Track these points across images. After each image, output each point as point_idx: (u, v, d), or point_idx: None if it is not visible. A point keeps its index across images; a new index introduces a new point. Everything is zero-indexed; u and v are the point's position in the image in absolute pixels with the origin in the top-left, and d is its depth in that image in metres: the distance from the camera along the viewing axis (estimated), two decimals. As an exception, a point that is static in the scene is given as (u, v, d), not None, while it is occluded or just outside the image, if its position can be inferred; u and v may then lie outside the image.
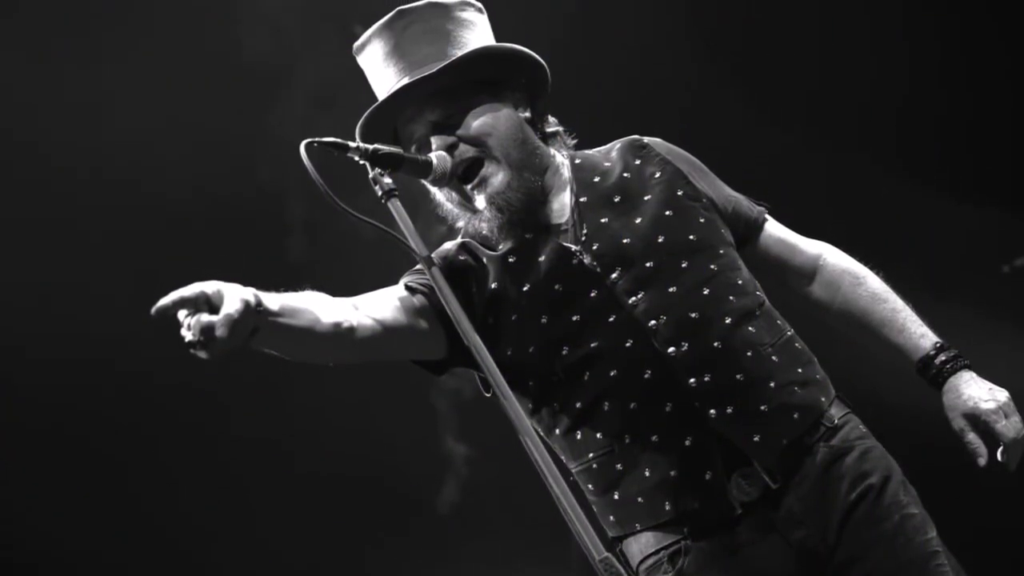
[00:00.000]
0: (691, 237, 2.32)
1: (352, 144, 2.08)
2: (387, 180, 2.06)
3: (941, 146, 5.94)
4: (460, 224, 2.44)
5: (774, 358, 2.27)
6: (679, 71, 5.68)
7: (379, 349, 2.26)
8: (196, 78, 5.05)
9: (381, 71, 2.38)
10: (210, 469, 5.15)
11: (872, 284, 2.52)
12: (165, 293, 1.76)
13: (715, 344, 2.22)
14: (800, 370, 2.30)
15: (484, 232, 2.34)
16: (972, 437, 2.29)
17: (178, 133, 5.01)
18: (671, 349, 2.20)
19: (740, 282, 2.34)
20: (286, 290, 2.06)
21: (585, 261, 2.27)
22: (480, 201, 2.31)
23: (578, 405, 2.27)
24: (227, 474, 5.18)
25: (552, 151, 2.47)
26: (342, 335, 2.11)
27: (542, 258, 2.30)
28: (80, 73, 4.88)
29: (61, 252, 4.88)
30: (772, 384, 2.23)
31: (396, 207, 2.05)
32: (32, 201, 4.88)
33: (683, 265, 2.27)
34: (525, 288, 2.29)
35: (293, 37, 5.11)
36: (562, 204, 2.39)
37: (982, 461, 2.28)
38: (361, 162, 2.08)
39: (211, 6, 5.07)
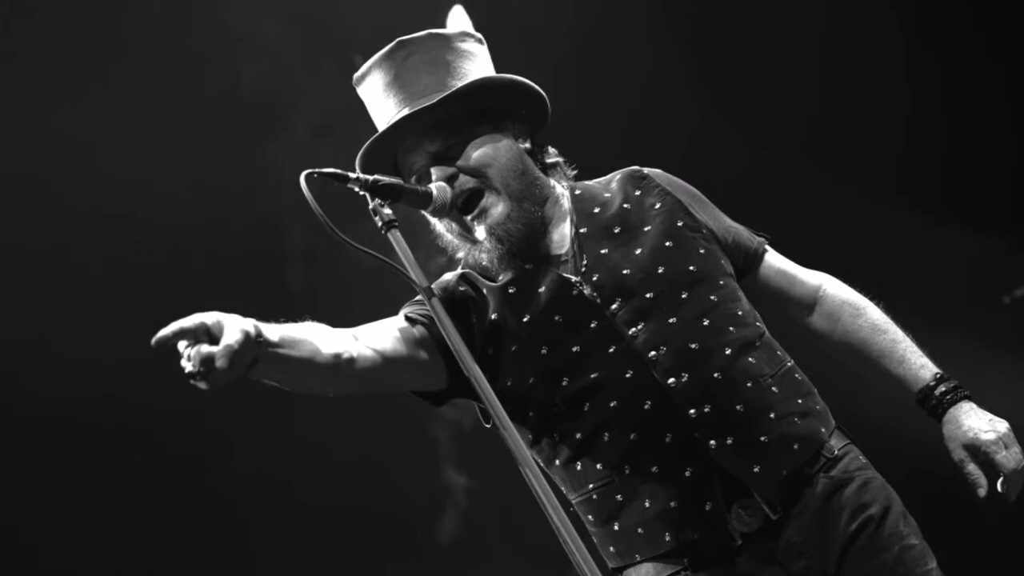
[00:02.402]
0: (691, 268, 2.32)
1: (352, 175, 2.09)
2: (387, 211, 2.06)
3: (941, 177, 5.96)
4: (460, 255, 2.45)
5: (774, 389, 2.27)
6: (679, 102, 5.71)
7: (379, 380, 2.25)
8: (195, 108, 5.07)
9: (381, 102, 2.39)
10: (210, 500, 5.14)
11: (872, 315, 2.52)
12: (165, 324, 1.76)
13: (715, 375, 2.22)
14: (800, 401, 2.30)
15: (484, 263, 2.34)
16: (972, 468, 2.29)
17: (178, 163, 5.03)
18: (671, 380, 2.20)
19: (740, 313, 2.34)
20: (286, 320, 2.06)
21: (585, 292, 2.28)
22: (480, 232, 2.32)
23: (578, 436, 2.26)
24: (227, 505, 5.17)
25: (552, 182, 2.48)
26: (342, 366, 2.11)
27: (542, 289, 2.30)
28: (79, 105, 4.90)
29: (61, 284, 4.89)
30: (772, 415, 2.22)
31: (396, 238, 2.04)
32: (32, 234, 4.89)
33: (683, 296, 2.28)
34: (525, 319, 2.29)
35: (293, 68, 5.14)
36: (562, 235, 2.39)
37: (982, 492, 2.28)
38: (361, 193, 2.08)
39: (210, 37, 5.10)
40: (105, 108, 4.92)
